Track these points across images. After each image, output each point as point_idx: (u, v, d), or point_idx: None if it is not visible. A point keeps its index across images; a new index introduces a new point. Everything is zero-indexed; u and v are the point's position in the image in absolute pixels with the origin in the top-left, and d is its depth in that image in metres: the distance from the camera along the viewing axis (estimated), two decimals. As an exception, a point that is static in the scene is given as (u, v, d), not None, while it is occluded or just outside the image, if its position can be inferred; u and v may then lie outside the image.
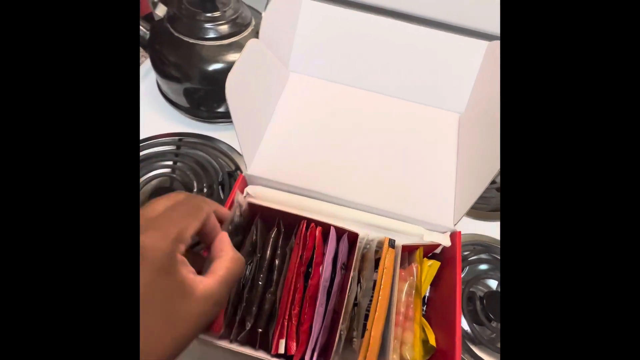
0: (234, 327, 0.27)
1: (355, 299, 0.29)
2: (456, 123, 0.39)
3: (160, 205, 0.20)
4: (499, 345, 0.39)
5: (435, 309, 0.32)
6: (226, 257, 0.20)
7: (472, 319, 0.39)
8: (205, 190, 0.44)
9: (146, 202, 0.21)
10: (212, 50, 0.44)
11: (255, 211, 0.31)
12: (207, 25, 0.44)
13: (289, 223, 0.30)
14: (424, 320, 0.31)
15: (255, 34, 0.46)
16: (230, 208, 0.30)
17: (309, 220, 0.29)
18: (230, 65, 0.28)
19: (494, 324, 0.39)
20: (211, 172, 0.45)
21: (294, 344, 0.26)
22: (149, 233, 0.17)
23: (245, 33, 0.46)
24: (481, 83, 0.37)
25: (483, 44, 0.36)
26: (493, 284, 0.41)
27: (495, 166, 0.26)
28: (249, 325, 0.27)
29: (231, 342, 0.26)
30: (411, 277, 0.30)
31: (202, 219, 0.20)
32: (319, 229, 0.29)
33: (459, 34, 0.37)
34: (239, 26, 0.46)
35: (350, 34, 0.39)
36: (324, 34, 0.39)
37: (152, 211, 0.19)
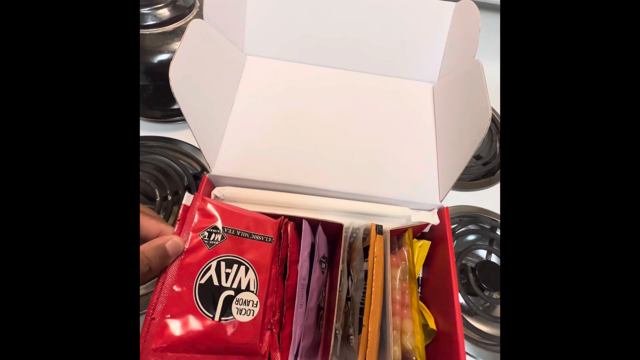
0: None
1: (348, 293, 0.27)
2: (430, 94, 0.37)
3: None
4: (493, 313, 0.39)
5: (431, 289, 0.31)
6: None
7: (466, 291, 0.39)
8: (170, 197, 0.40)
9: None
10: (153, 40, 0.39)
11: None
12: (144, 10, 0.38)
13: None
14: (421, 303, 0.29)
15: (202, 16, 0.41)
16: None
17: (283, 217, 0.27)
18: (174, 53, 0.24)
19: (487, 293, 0.38)
20: (174, 177, 0.41)
21: (277, 354, 0.24)
22: None
23: (190, 16, 0.41)
24: (453, 47, 0.35)
25: (450, 5, 0.34)
26: (483, 253, 0.41)
27: (480, 134, 0.25)
28: None
29: None
30: (403, 262, 0.28)
31: None
32: (291, 224, 0.26)
33: (424, -3, 0.35)
34: (181, 9, 0.40)
35: (306, 7, 0.35)
36: (278, 10, 0.35)
37: None
